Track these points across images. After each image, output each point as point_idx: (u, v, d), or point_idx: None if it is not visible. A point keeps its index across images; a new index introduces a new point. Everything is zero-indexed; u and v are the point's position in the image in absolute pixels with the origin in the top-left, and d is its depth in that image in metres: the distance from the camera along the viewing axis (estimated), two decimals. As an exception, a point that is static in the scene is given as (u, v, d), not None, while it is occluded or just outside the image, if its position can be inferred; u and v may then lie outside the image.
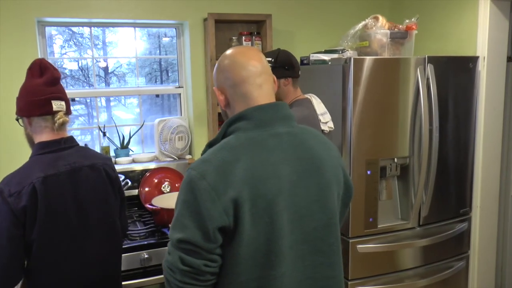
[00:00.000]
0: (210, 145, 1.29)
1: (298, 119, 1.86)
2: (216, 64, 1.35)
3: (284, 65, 2.12)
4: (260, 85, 1.29)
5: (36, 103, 1.59)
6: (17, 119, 1.71)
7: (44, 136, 1.62)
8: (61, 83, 1.69)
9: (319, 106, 2.23)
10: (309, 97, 2.24)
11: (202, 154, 1.26)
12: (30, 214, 1.49)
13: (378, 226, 2.58)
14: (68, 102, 1.68)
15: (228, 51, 1.34)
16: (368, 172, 2.51)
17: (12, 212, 1.46)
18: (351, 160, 2.46)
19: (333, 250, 1.32)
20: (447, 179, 2.76)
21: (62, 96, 1.64)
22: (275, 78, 1.38)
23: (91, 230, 1.65)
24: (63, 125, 1.64)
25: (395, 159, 2.59)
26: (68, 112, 1.68)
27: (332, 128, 2.25)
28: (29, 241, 1.52)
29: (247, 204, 1.16)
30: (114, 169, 1.77)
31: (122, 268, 2.09)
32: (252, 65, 1.29)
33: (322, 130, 2.17)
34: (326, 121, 2.21)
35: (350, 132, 2.45)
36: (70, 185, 1.58)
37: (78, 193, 1.60)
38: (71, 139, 1.68)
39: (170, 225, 1.24)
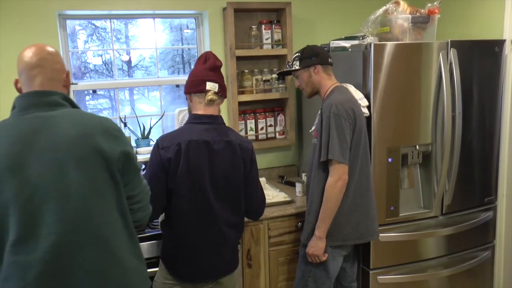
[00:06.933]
0: None
1: (344, 100, 2.12)
2: None
3: (308, 55, 2.30)
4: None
5: (195, 82, 2.00)
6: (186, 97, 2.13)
7: (198, 110, 2.01)
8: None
9: (356, 93, 2.36)
10: (345, 85, 2.35)
11: None
12: (173, 165, 1.90)
13: (400, 214, 2.54)
14: (223, 86, 2.03)
15: None
16: (390, 160, 2.47)
17: (161, 160, 1.91)
18: (372, 147, 2.42)
19: None
20: (471, 167, 2.69)
21: (217, 80, 2.00)
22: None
23: (218, 192, 1.98)
24: (211, 102, 1.99)
25: (417, 147, 2.54)
26: (222, 94, 2.03)
27: (367, 114, 2.36)
28: (170, 187, 1.93)
29: None
30: (248, 149, 2.05)
31: (146, 256, 2.11)
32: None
33: (364, 113, 2.30)
34: (365, 105, 2.35)
35: (371, 119, 2.41)
36: (207, 151, 1.94)
37: (212, 158, 1.94)
38: (219, 118, 2.03)
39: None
